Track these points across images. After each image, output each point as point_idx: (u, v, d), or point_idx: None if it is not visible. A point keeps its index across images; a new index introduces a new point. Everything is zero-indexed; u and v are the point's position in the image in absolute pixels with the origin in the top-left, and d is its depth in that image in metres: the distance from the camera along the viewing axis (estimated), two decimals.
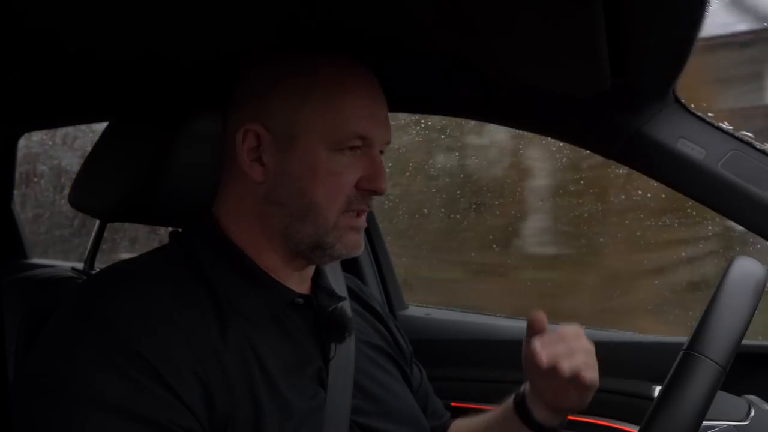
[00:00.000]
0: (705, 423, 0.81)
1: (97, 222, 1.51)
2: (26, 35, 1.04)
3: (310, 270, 1.06)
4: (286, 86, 0.97)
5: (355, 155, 0.97)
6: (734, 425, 1.07)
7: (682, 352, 0.83)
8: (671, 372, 0.83)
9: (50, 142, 3.17)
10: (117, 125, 1.23)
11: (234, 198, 1.00)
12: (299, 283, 1.03)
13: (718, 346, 0.82)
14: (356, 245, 1.00)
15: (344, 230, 0.98)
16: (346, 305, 1.10)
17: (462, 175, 2.68)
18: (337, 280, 1.14)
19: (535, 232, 2.69)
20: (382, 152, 1.02)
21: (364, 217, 1.01)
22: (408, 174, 2.65)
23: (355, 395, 1.02)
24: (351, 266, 1.81)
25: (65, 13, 0.96)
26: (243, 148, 0.97)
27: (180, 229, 1.06)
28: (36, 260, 2.40)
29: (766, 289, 0.88)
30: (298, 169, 0.95)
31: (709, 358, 0.81)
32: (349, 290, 1.17)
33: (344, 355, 1.03)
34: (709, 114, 1.19)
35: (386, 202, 2.55)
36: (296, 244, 0.98)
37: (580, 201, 2.49)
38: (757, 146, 1.15)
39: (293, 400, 0.91)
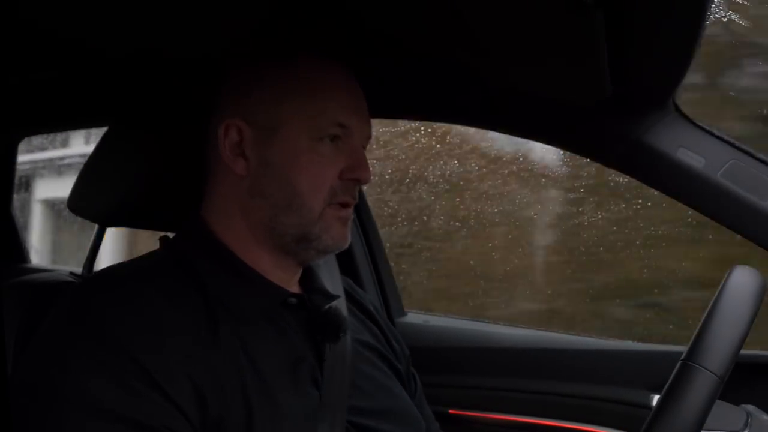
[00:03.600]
0: None
1: (96, 227, 1.50)
2: (24, 34, 1.04)
3: (299, 272, 1.06)
4: (266, 81, 0.99)
5: (337, 146, 0.98)
6: None
7: (680, 362, 0.83)
8: (669, 382, 0.82)
9: None
10: (116, 130, 1.24)
11: (219, 197, 1.01)
12: (291, 284, 1.03)
13: (716, 356, 0.81)
14: (342, 237, 1.00)
15: (330, 221, 0.98)
16: (341, 304, 1.10)
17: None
18: (333, 278, 1.14)
19: None
20: (364, 148, 1.03)
21: (350, 210, 1.01)
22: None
23: (351, 394, 1.01)
24: (349, 272, 1.80)
25: (61, 7, 0.95)
26: (225, 144, 0.98)
27: (169, 234, 1.06)
28: (35, 264, 2.40)
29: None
30: (280, 158, 0.96)
31: (707, 369, 0.81)
32: (344, 291, 1.17)
33: (340, 355, 1.02)
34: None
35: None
36: (281, 237, 0.98)
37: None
38: (757, 156, 1.15)
39: (286, 401, 0.91)
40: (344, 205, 1.00)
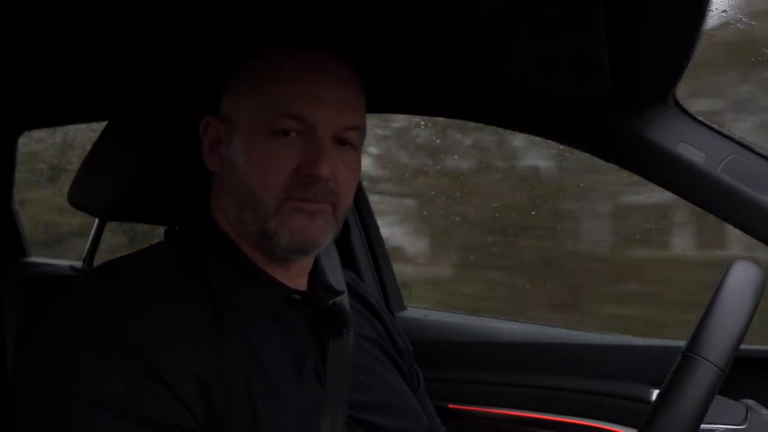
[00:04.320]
0: (703, 426, 0.81)
1: (96, 220, 1.51)
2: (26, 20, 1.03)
3: (306, 265, 1.05)
4: (236, 76, 0.98)
5: (296, 140, 0.92)
6: (732, 428, 1.07)
7: (681, 354, 0.83)
8: (670, 374, 0.83)
9: None
10: (116, 124, 1.24)
11: (215, 192, 1.01)
12: (295, 278, 1.03)
13: (717, 348, 0.82)
14: (303, 232, 0.93)
15: (288, 213, 0.92)
16: (345, 299, 1.09)
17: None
18: (335, 273, 1.14)
19: None
20: (347, 141, 0.96)
21: (315, 203, 0.93)
22: None
23: (353, 389, 1.01)
24: (349, 266, 1.80)
25: None
26: (206, 141, 0.99)
27: (176, 227, 1.05)
28: (36, 259, 2.40)
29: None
30: (236, 154, 0.94)
31: (708, 361, 0.81)
32: (346, 285, 1.16)
33: (343, 350, 1.02)
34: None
35: None
36: (248, 234, 0.96)
37: None
38: (757, 150, 1.15)
39: (290, 397, 0.91)
40: (307, 201, 0.93)
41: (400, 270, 2.17)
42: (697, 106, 1.20)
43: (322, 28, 1.06)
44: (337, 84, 0.95)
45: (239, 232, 0.98)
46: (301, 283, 1.04)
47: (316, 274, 1.07)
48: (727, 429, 1.07)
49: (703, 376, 0.80)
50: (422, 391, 1.25)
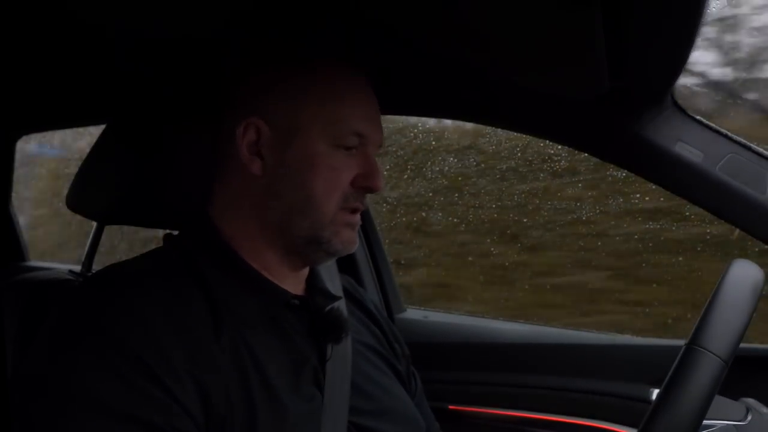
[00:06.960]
0: (704, 422, 0.81)
1: (95, 224, 1.50)
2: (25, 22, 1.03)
3: (306, 271, 1.06)
4: (287, 84, 0.98)
5: (351, 154, 0.99)
6: (733, 424, 1.07)
7: (684, 346, 0.84)
8: (674, 366, 0.83)
9: None
10: (114, 128, 1.23)
11: (230, 196, 1.00)
12: (295, 284, 1.03)
13: (720, 340, 0.82)
14: (351, 241, 1.01)
15: (340, 226, 0.99)
16: (342, 305, 1.10)
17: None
18: (332, 280, 1.14)
19: None
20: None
21: (358, 216, 1.02)
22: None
23: (352, 395, 1.01)
24: (349, 269, 1.81)
25: None
26: (243, 143, 0.97)
27: (174, 232, 1.05)
28: (34, 263, 2.40)
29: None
30: (297, 161, 0.96)
31: (712, 352, 0.81)
32: (343, 290, 1.17)
33: (341, 355, 1.03)
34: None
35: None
36: (292, 238, 0.98)
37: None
38: (755, 149, 1.15)
39: (290, 402, 0.91)
40: (353, 211, 1.01)
41: None
42: None
43: (320, 29, 1.07)
44: (376, 103, 1.03)
45: (250, 234, 0.99)
46: (298, 289, 1.05)
47: (312, 279, 1.08)
48: (728, 425, 1.07)
49: (707, 367, 0.81)
50: (420, 395, 1.25)
